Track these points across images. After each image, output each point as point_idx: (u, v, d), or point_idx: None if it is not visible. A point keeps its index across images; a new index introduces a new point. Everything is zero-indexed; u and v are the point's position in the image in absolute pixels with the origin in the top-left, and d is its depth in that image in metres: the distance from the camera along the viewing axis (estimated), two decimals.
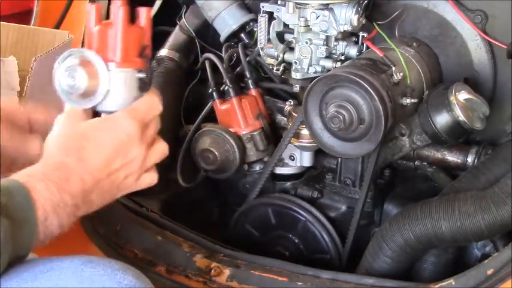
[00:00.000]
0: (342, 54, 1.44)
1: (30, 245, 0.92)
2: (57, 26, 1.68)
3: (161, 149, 1.08)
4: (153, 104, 1.06)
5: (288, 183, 1.59)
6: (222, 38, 1.67)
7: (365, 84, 1.26)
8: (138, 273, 0.98)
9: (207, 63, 1.64)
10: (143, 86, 1.04)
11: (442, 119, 1.36)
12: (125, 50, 1.03)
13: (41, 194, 0.92)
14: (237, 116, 1.57)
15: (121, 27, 1.01)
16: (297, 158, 1.57)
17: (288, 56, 1.48)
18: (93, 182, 0.98)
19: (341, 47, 1.43)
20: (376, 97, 1.26)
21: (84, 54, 1.01)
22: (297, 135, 1.50)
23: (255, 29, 1.59)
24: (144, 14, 1.04)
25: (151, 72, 1.05)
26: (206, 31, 1.77)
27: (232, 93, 1.57)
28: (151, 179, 1.07)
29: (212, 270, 1.35)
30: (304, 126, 1.43)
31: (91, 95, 1.01)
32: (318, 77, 1.36)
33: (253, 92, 1.60)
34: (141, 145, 1.03)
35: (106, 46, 1.03)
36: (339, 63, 1.41)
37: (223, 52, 1.64)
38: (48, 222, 0.93)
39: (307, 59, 1.43)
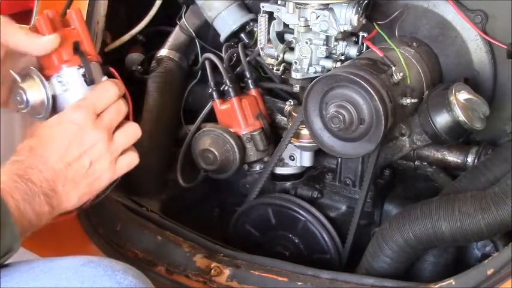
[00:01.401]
0: (342, 54, 1.44)
1: (14, 238, 0.92)
2: None
3: (131, 130, 1.09)
4: (103, 89, 1.07)
5: (288, 183, 1.59)
6: (222, 38, 1.67)
7: (365, 84, 1.26)
8: (138, 274, 0.98)
9: (207, 63, 1.64)
10: (88, 80, 1.07)
11: (442, 119, 1.36)
12: (56, 53, 1.06)
13: (6, 183, 0.94)
14: (237, 116, 1.57)
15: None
16: (297, 158, 1.57)
17: (288, 56, 1.48)
18: (53, 172, 1.00)
19: (341, 47, 1.43)
20: (376, 97, 1.26)
21: (26, 72, 1.06)
22: (297, 135, 1.50)
23: (255, 29, 1.59)
24: (73, 15, 1.09)
25: (88, 65, 1.07)
26: (206, 31, 1.77)
27: (232, 93, 1.57)
28: (129, 160, 1.09)
29: (212, 270, 1.35)
30: (304, 126, 1.43)
31: (43, 105, 1.05)
32: (318, 77, 1.36)
33: (253, 92, 1.60)
34: (96, 130, 1.04)
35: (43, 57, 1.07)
36: (339, 63, 1.41)
37: (223, 52, 1.64)
38: (22, 209, 0.94)
39: (307, 59, 1.43)
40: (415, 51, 1.46)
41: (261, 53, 1.54)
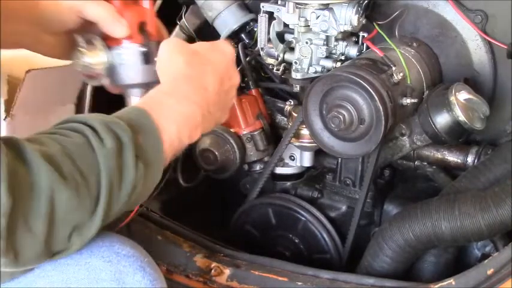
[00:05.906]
0: (342, 54, 1.44)
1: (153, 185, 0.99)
2: None
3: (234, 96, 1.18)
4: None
5: (288, 183, 1.59)
6: (222, 38, 1.67)
7: (365, 84, 1.26)
8: (135, 245, 1.01)
9: None
10: (147, 59, 1.15)
11: (442, 119, 1.36)
12: None
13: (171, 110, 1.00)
14: (237, 116, 1.57)
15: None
16: (297, 158, 1.57)
17: (288, 56, 1.48)
18: (213, 94, 1.08)
19: (341, 47, 1.43)
20: (376, 97, 1.26)
21: (90, 38, 1.14)
22: (297, 135, 1.50)
23: (255, 29, 1.59)
24: None
25: (149, 46, 1.14)
26: (206, 31, 1.77)
27: None
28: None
29: (212, 270, 1.35)
30: (304, 126, 1.43)
31: (100, 71, 1.15)
32: (318, 77, 1.36)
33: (253, 92, 1.60)
34: (236, 75, 1.15)
35: None
36: (339, 63, 1.41)
37: None
38: (180, 135, 1.02)
39: (308, 59, 1.43)
40: (415, 51, 1.46)
41: (261, 53, 1.54)
